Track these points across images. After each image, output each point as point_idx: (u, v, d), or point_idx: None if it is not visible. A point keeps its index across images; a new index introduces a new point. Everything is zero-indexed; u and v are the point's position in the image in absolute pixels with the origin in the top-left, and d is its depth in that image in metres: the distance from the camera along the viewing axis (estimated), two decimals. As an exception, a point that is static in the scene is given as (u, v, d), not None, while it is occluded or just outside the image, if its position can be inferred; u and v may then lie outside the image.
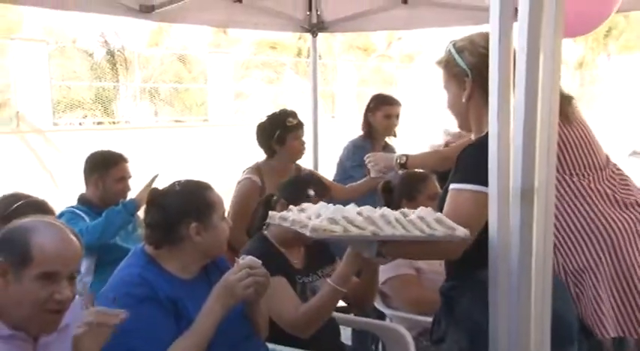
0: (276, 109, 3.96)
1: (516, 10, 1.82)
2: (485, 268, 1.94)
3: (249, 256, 2.26)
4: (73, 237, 1.87)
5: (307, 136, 5.84)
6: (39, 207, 2.65)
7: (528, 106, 1.78)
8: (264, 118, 3.91)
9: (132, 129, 15.24)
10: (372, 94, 4.76)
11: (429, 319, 3.07)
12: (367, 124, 4.63)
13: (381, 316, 3.38)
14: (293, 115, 3.86)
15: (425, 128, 19.52)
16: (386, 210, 2.01)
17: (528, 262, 1.81)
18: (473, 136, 2.30)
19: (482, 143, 1.97)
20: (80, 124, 15.72)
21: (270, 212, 2.30)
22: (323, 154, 5.72)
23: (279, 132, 3.76)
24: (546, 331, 1.89)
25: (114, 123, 15.88)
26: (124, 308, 2.06)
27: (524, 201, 1.79)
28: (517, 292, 1.83)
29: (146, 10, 4.49)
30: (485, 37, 2.03)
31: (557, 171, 2.11)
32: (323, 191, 2.79)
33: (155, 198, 2.31)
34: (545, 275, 1.88)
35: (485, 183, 1.92)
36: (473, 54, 2.17)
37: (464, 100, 2.21)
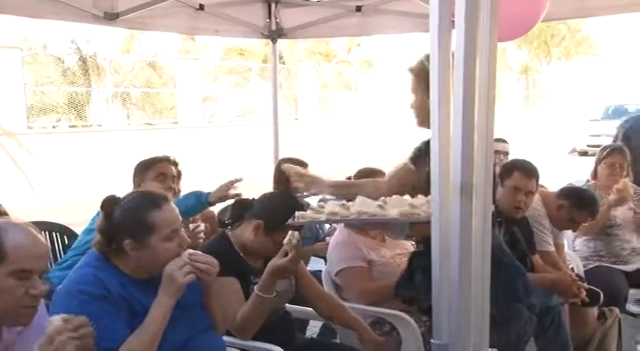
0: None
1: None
2: None
3: (189, 250, 2.18)
4: (40, 236, 1.81)
5: (268, 138, 5.84)
6: None
7: (466, 106, 1.76)
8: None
9: (104, 132, 15.03)
10: (280, 158, 4.70)
11: (380, 310, 3.09)
12: (281, 183, 4.24)
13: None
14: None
15: (383, 128, 19.63)
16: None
17: (468, 252, 1.80)
18: None
19: None
20: (54, 127, 15.42)
21: (299, 213, 2.29)
22: (285, 153, 5.68)
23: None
24: (485, 321, 1.90)
25: (87, 126, 15.62)
26: (78, 304, 1.99)
27: (464, 195, 1.78)
28: (458, 283, 1.81)
29: (110, 18, 4.39)
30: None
31: None
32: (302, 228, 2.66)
33: (107, 205, 2.19)
34: (484, 266, 1.88)
35: None
36: None
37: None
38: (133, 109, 17.18)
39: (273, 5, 5.33)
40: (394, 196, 2.29)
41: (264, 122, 16.48)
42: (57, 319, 1.69)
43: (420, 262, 2.69)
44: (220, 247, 2.59)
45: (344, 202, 2.30)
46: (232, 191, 3.31)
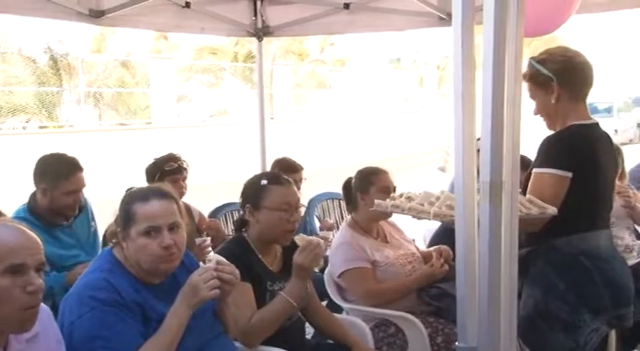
0: (163, 154, 3.96)
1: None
2: (557, 237, 2.39)
3: (216, 256, 2.14)
4: (30, 231, 1.73)
5: (254, 138, 5.73)
6: None
7: (495, 103, 1.72)
8: (151, 161, 3.93)
9: (76, 132, 14.77)
10: (275, 159, 4.59)
11: (384, 311, 3.04)
12: None
13: (338, 308, 3.29)
14: (174, 159, 3.90)
15: (358, 126, 19.64)
16: None
17: (498, 253, 1.76)
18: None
19: (558, 135, 2.46)
20: (24, 128, 15.12)
21: (377, 201, 2.52)
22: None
23: (159, 175, 3.78)
24: (513, 324, 1.86)
25: (58, 127, 15.33)
26: (89, 311, 1.94)
27: (493, 194, 1.74)
28: (488, 285, 1.76)
29: (96, 15, 4.27)
30: (560, 48, 2.56)
31: None
32: (276, 178, 2.69)
33: None
34: (511, 267, 1.84)
35: (560, 167, 2.35)
36: (554, 63, 2.47)
37: (553, 101, 2.48)
38: (105, 110, 16.92)
39: (259, 3, 5.24)
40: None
41: (239, 122, 16.36)
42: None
43: None
44: (237, 249, 2.54)
45: (410, 194, 2.44)
46: None
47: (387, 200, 2.49)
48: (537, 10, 2.72)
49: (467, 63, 1.82)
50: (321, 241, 2.58)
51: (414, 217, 2.35)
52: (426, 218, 2.29)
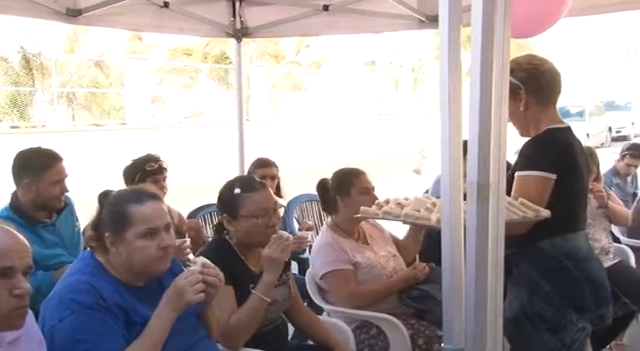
0: (142, 155, 3.90)
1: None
2: (541, 239, 2.42)
3: (201, 259, 2.11)
4: (18, 234, 1.71)
5: (230, 140, 5.68)
6: None
7: (483, 104, 1.72)
8: (129, 162, 3.87)
9: (49, 133, 14.54)
10: (255, 160, 4.61)
11: (366, 313, 3.04)
12: None
13: (318, 309, 3.28)
14: (154, 160, 3.85)
15: (333, 127, 19.65)
16: None
17: (485, 255, 1.76)
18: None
19: (538, 138, 2.50)
20: (-4, 128, 14.89)
21: (363, 208, 2.52)
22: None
23: (139, 175, 3.74)
24: (499, 325, 1.86)
25: (30, 127, 15.09)
26: (70, 314, 1.90)
27: (480, 196, 1.74)
28: (475, 287, 1.76)
29: (73, 14, 4.21)
30: (527, 57, 2.58)
31: None
32: (248, 185, 2.65)
33: (101, 199, 2.12)
34: (497, 269, 1.84)
35: (544, 169, 2.39)
36: (521, 71, 2.50)
37: (522, 109, 2.52)
38: (78, 110, 16.71)
39: (237, 4, 5.21)
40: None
41: (215, 123, 16.24)
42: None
43: None
44: (220, 254, 2.52)
45: (400, 200, 2.40)
46: None
47: (374, 207, 2.48)
48: (527, 11, 2.74)
49: (453, 64, 1.82)
50: (290, 235, 2.58)
51: (405, 223, 2.34)
52: (424, 224, 2.29)
